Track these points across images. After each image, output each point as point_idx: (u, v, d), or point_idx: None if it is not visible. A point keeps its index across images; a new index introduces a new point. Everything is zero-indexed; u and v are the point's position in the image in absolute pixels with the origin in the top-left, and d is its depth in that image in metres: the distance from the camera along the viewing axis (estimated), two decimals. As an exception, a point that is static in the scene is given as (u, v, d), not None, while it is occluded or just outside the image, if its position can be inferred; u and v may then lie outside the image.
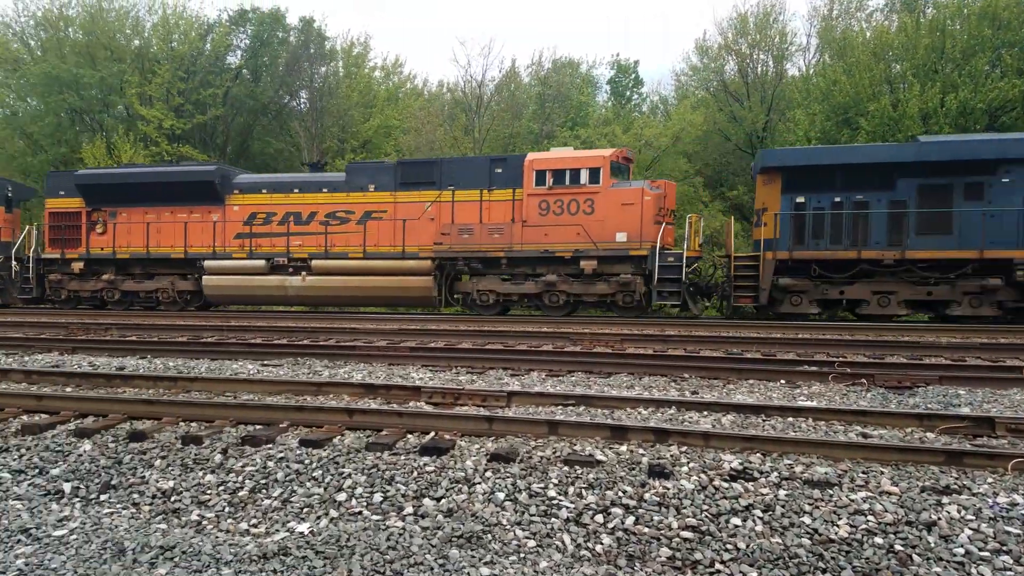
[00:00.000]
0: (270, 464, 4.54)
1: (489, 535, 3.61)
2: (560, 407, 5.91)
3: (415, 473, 4.28)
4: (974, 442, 4.91)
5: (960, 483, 4.03)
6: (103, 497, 4.45)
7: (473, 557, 3.45)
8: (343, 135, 31.01)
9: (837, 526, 3.58)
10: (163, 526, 4.00)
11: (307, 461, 4.54)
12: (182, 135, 29.80)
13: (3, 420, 5.67)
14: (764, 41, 29.55)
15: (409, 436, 5.00)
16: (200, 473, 4.56)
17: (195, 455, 4.77)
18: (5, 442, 5.24)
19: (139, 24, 32.46)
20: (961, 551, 3.37)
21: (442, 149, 28.92)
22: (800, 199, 14.54)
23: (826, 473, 4.15)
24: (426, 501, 3.99)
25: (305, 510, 4.05)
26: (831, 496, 3.83)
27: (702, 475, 4.13)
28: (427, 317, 15.59)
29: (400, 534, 3.62)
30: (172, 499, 4.31)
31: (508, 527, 3.69)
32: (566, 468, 4.30)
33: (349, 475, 4.32)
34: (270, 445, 4.86)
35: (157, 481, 4.51)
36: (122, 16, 32.34)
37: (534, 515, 3.81)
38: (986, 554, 3.36)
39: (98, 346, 10.16)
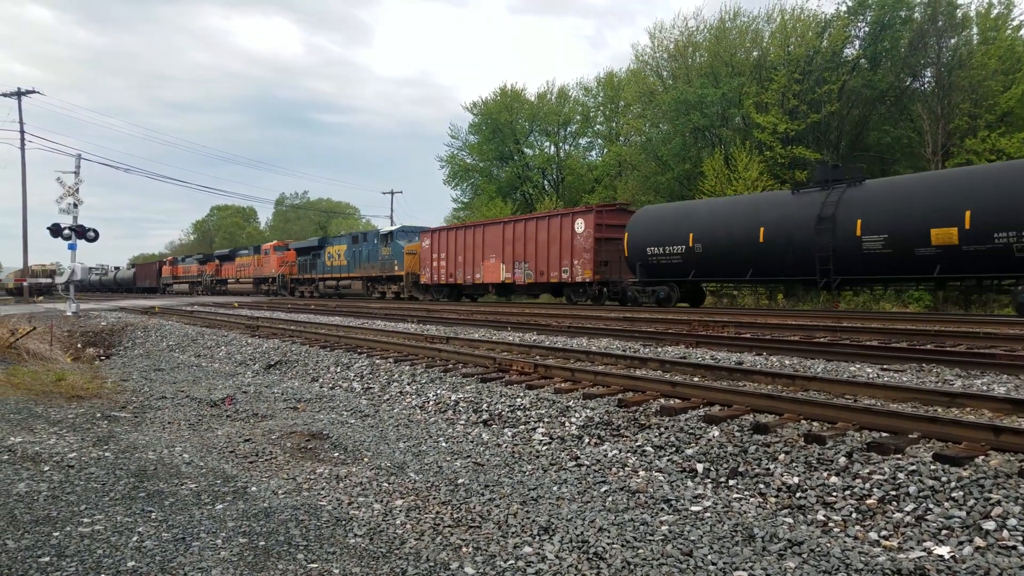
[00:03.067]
0: (900, 475, 4.25)
1: None
2: None
3: (1093, 517, 3.43)
4: None
5: None
6: (731, 482, 4.78)
7: None
8: (976, 111, 26.99)
9: None
10: (789, 520, 4.10)
11: (944, 479, 4.09)
12: (795, 136, 30.44)
13: (646, 401, 6.60)
14: None
15: (1083, 470, 4.03)
16: (824, 473, 4.54)
17: (818, 455, 4.77)
18: (648, 420, 6.07)
19: (758, 35, 34.53)
20: None
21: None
22: (301, 259, 44.77)
23: None
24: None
25: (943, 532, 3.65)
26: None
27: None
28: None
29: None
30: (797, 495, 4.39)
31: None
32: None
33: (998, 502, 3.73)
34: (899, 455, 4.54)
35: (782, 475, 4.65)
36: (743, 31, 34.91)
37: None
38: None
39: (717, 341, 11.00)
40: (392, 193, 61.45)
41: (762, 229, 18.06)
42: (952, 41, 28.35)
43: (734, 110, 32.79)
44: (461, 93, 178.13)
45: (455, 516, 4.30)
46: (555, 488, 4.86)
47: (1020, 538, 3.44)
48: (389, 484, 4.99)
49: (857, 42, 31.65)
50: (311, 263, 42.37)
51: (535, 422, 6.62)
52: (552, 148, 49.59)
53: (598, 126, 48.99)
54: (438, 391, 8.20)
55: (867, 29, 31.04)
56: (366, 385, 9.33)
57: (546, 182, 49.41)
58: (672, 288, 21.21)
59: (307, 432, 6.69)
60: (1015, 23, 30.05)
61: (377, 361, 10.45)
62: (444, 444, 6.23)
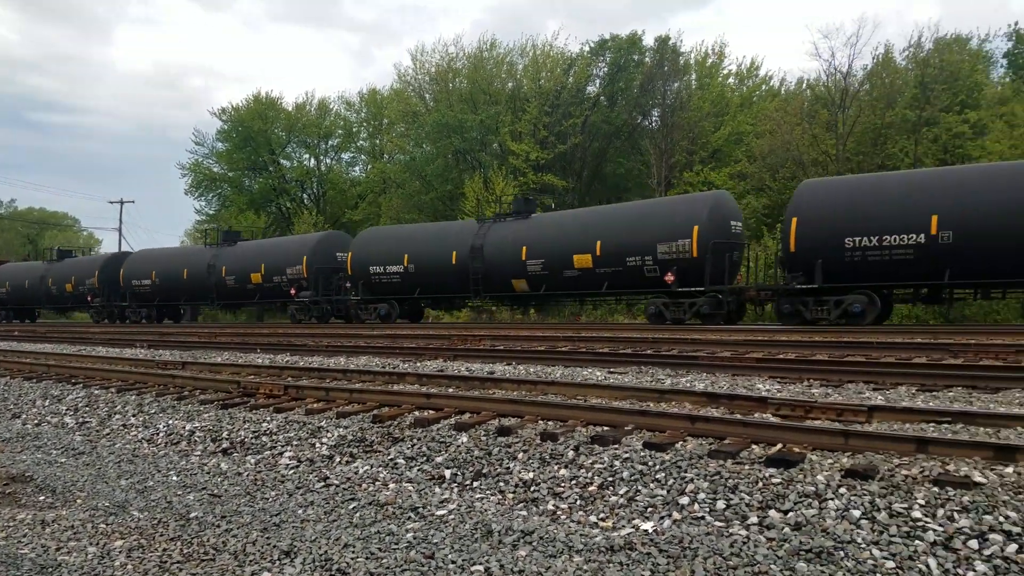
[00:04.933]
0: (616, 463, 4.74)
1: (841, 552, 3.34)
2: (933, 424, 5.19)
3: (760, 484, 4.11)
4: None
5: None
6: (475, 484, 5.00)
7: (822, 571, 3.22)
8: (692, 147, 31.10)
9: None
10: (524, 513, 4.39)
11: (651, 463, 4.65)
12: (545, 165, 32.69)
13: (401, 415, 6.67)
14: None
15: (754, 447, 4.82)
16: (555, 467, 4.93)
17: (551, 451, 5.18)
18: (402, 433, 6.15)
19: (512, 68, 36.61)
20: None
21: (799, 148, 27.35)
22: None
23: None
24: (772, 512, 3.81)
25: (649, 509, 4.14)
26: None
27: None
28: (777, 329, 14.81)
29: (744, 542, 3.52)
30: (531, 489, 4.72)
31: (864, 546, 3.37)
32: (935, 489, 3.80)
33: (691, 480, 4.32)
34: (616, 445, 5.07)
35: (519, 472, 4.97)
36: (499, 62, 36.80)
37: (894, 536, 3.43)
38: None
39: (474, 354, 11.54)
40: (121, 203, 55.42)
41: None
42: (675, 85, 32.38)
43: (492, 136, 34.40)
44: (215, 97, 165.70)
45: (185, 551, 4.01)
46: (300, 511, 4.72)
47: (707, 509, 4.01)
48: (107, 525, 4.51)
49: (598, 81, 34.96)
50: None
51: (283, 446, 6.37)
52: (312, 161, 48.18)
53: (362, 142, 48.56)
54: (170, 421, 7.56)
55: (606, 69, 34.41)
56: (81, 419, 8.32)
57: (305, 196, 47.80)
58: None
59: (5, 476, 5.82)
60: (725, 72, 35.19)
61: (96, 392, 9.39)
62: (175, 478, 5.76)
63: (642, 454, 4.81)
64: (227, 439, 6.74)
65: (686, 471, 4.44)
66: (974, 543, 3.29)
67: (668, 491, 4.28)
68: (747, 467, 4.39)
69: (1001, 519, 3.41)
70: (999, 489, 3.73)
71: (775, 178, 27.84)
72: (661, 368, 9.06)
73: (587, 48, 34.47)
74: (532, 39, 37.68)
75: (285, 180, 47.11)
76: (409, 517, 4.46)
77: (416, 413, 6.69)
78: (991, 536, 3.31)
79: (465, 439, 5.73)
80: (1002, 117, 26.46)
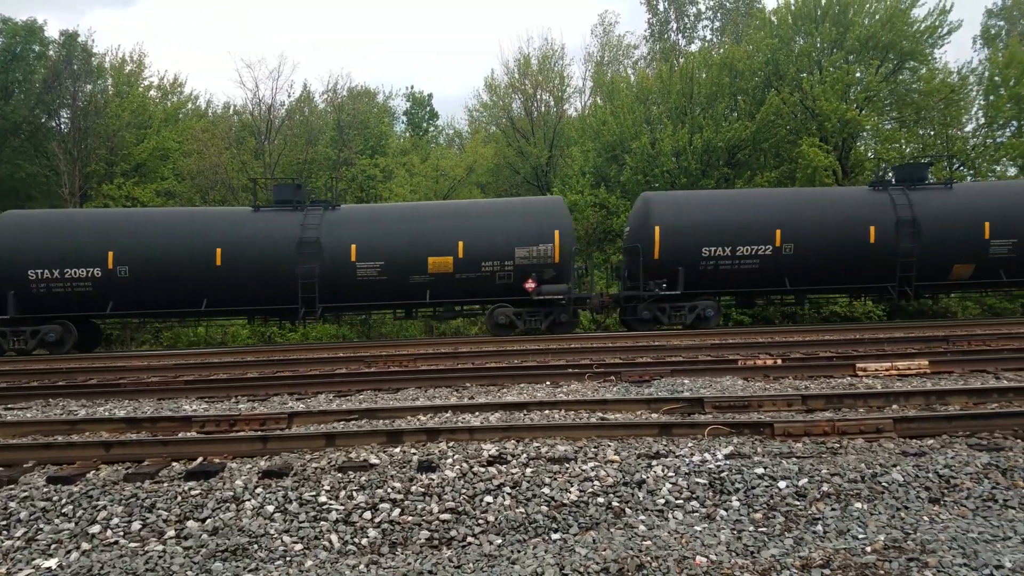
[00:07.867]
0: (12, 504, 4.13)
1: (255, 545, 3.60)
2: (344, 422, 5.98)
3: (179, 498, 4.10)
4: (686, 418, 5.70)
5: (668, 449, 4.79)
6: None
7: (237, 567, 3.42)
8: (112, 158, 28.41)
9: (569, 492, 4.11)
10: None
11: (56, 498, 4.18)
12: (-95, 157, 25.62)
13: None
14: (546, 82, 31.64)
15: (175, 464, 4.80)
16: (-80, 525, 4.03)
17: (-87, 507, 4.21)
18: None
19: None
20: (662, 501, 4.04)
21: (228, 172, 27.57)
22: None
23: (565, 451, 4.75)
24: (190, 523, 3.84)
25: (53, 546, 3.73)
26: (567, 469, 4.40)
27: (464, 464, 4.52)
28: (209, 352, 14.77)
29: (160, 556, 3.48)
30: None
31: (276, 535, 3.70)
32: (340, 475, 4.42)
33: (104, 507, 4.04)
34: (12, 486, 4.42)
35: None
36: None
37: (303, 521, 3.85)
38: (680, 501, 4.05)
39: None
40: None
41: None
42: (89, 88, 29.05)
43: None
44: None
45: None
46: None
47: (121, 532, 3.82)
48: None
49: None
50: None
51: None
52: None
53: None
54: None
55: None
56: None
57: None
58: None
59: None
60: (146, 83, 33.03)
61: None
62: None
63: (46, 490, 4.29)
64: None
65: (98, 499, 4.14)
66: (368, 514, 3.94)
67: (77, 523, 3.92)
68: (166, 484, 4.34)
69: (389, 490, 4.15)
70: (389, 466, 4.54)
71: (206, 200, 27.49)
72: (75, 399, 8.13)
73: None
74: None
75: None
76: None
77: None
78: (381, 505, 4.01)
79: None
80: (404, 165, 31.45)
